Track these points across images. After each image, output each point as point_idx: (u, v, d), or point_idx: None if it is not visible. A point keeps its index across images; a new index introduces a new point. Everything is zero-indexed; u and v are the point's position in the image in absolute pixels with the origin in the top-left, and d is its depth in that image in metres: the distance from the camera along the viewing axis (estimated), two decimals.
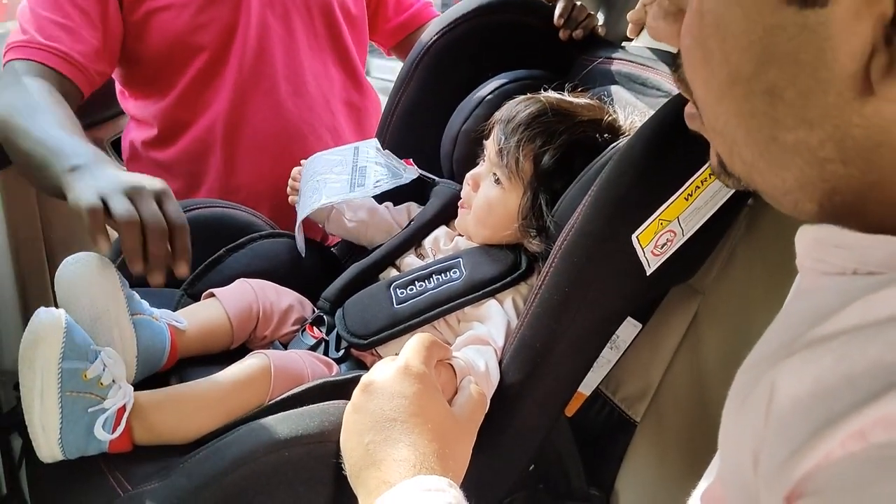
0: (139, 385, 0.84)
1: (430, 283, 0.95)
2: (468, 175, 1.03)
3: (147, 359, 0.88)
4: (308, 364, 0.90)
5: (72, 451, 0.78)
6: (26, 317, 1.25)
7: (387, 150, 1.13)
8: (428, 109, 1.18)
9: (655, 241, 0.83)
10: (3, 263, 1.22)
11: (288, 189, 1.17)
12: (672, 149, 0.78)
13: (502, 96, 1.08)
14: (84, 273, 0.84)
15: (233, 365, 0.87)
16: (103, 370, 0.80)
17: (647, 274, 0.84)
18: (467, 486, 0.64)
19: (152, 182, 0.85)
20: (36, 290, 1.29)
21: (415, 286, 0.96)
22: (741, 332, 0.92)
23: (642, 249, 0.82)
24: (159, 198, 0.83)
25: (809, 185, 0.41)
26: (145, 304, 0.91)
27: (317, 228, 1.30)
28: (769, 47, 0.37)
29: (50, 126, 0.97)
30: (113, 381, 0.81)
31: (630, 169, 0.79)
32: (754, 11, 0.37)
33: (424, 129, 1.10)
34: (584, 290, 0.83)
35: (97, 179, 0.83)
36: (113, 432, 0.79)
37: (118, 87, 1.32)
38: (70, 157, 0.89)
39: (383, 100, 1.31)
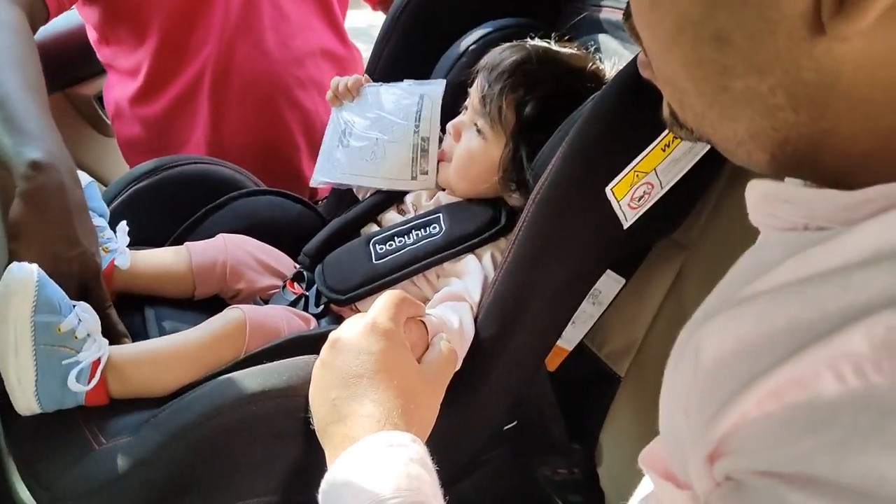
0: None
1: (409, 238, 0.95)
2: (449, 124, 1.01)
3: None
4: (285, 319, 0.90)
5: (48, 404, 0.79)
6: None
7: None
8: (412, 61, 1.15)
9: (632, 193, 0.81)
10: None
11: (329, 95, 1.13)
12: (647, 98, 0.75)
13: (486, 45, 1.05)
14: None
15: (209, 319, 0.88)
16: (77, 324, 0.80)
17: (624, 227, 0.82)
18: (439, 442, 0.64)
19: (84, 266, 0.85)
20: None
21: (394, 241, 0.95)
22: None
23: (618, 202, 0.80)
24: (85, 285, 0.85)
25: (761, 135, 0.39)
26: (119, 231, 0.93)
27: (303, 185, 1.29)
28: None
29: (16, 87, 0.89)
30: (88, 334, 0.81)
31: (602, 119, 0.77)
32: None
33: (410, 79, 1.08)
34: (557, 243, 0.81)
35: (43, 234, 0.82)
36: (88, 384, 0.80)
37: (94, 36, 1.28)
38: (31, 146, 0.82)
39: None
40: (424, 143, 1.04)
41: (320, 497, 0.59)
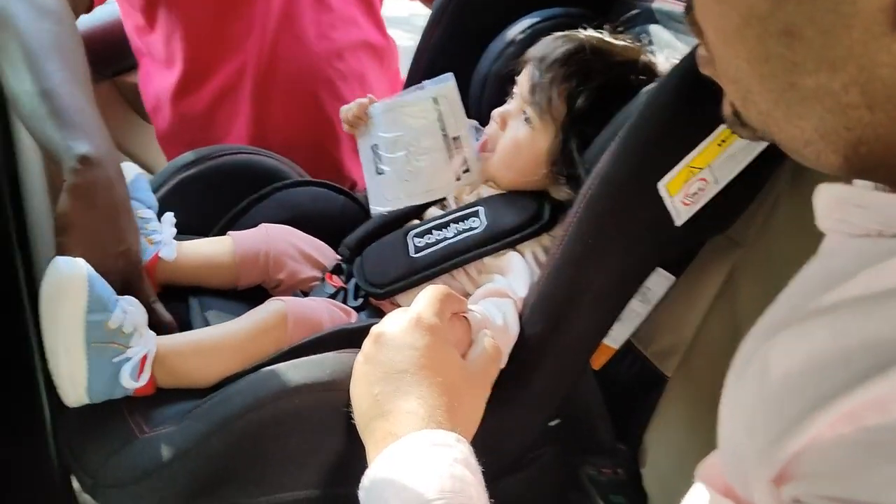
0: None
1: (448, 231, 0.93)
2: (495, 112, 0.99)
3: None
4: (327, 312, 0.89)
5: (98, 398, 0.80)
6: None
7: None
8: (459, 51, 1.14)
9: (685, 189, 0.78)
10: (41, 205, 1.24)
11: (345, 126, 1.09)
12: (703, 91, 0.72)
13: (535, 35, 1.03)
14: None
15: (251, 311, 0.87)
16: (125, 318, 0.80)
17: (677, 224, 0.79)
18: (485, 440, 0.63)
19: (128, 262, 0.85)
20: None
21: (433, 234, 0.93)
22: (782, 288, 0.87)
23: (671, 199, 0.78)
24: (128, 281, 0.85)
25: (832, 135, 0.38)
26: (165, 222, 0.94)
27: (345, 176, 1.28)
28: None
29: (63, 79, 0.86)
30: (135, 329, 0.81)
31: (657, 113, 0.74)
32: None
33: (456, 72, 1.05)
34: (608, 240, 0.79)
35: (91, 229, 0.82)
36: (138, 379, 0.80)
37: (130, 24, 1.26)
38: (80, 141, 0.81)
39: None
40: (457, 142, 1.01)
41: (361, 493, 0.58)
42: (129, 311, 0.81)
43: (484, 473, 0.58)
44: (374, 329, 0.69)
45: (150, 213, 0.93)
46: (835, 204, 0.41)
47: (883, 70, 0.34)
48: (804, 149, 0.40)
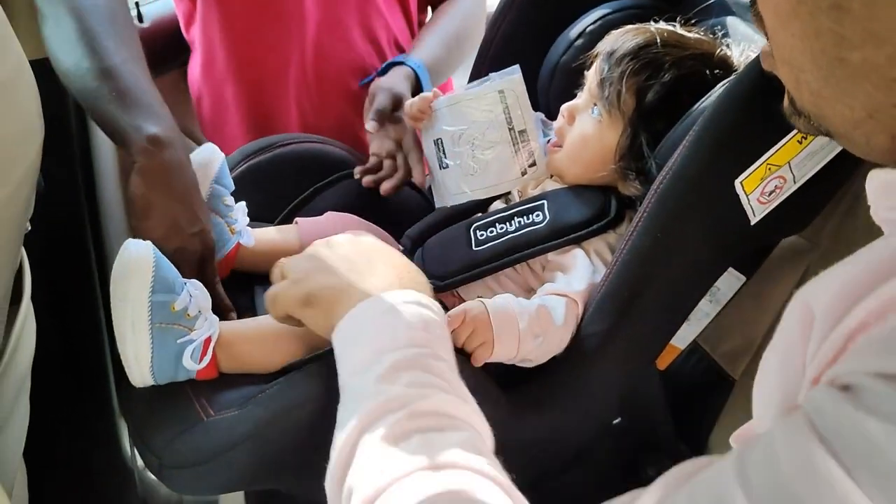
0: None
1: (510, 225, 0.92)
2: (563, 107, 0.97)
3: None
4: None
5: (163, 378, 0.81)
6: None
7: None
8: (527, 41, 1.12)
9: (762, 187, 0.76)
10: (113, 192, 1.27)
11: (408, 121, 1.08)
12: (783, 86, 0.70)
13: (606, 27, 1.01)
14: (198, 157, 0.91)
15: None
16: (190, 301, 0.82)
17: (752, 223, 0.77)
18: (546, 436, 0.62)
19: (203, 242, 0.86)
20: None
21: (495, 228, 0.92)
22: None
23: (747, 196, 0.76)
24: (203, 260, 0.87)
25: (881, 113, 0.39)
26: (239, 211, 0.94)
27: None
28: None
29: (124, 58, 0.85)
30: (199, 312, 0.82)
31: (734, 108, 0.72)
32: None
33: (524, 62, 1.04)
34: (679, 237, 0.77)
35: (167, 211, 0.83)
36: (200, 362, 0.81)
37: (180, 14, 1.26)
38: (149, 122, 0.82)
39: None
40: (523, 135, 0.99)
41: (335, 340, 0.67)
42: (195, 295, 0.83)
43: (544, 465, 0.58)
44: (317, 241, 0.80)
45: (232, 201, 0.94)
46: (885, 189, 0.42)
47: None
48: (854, 131, 0.41)
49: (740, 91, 0.73)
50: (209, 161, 0.92)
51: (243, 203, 0.96)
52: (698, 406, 1.01)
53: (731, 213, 0.76)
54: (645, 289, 0.79)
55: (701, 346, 1.00)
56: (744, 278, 0.89)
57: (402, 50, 1.31)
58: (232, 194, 0.96)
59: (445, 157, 1.02)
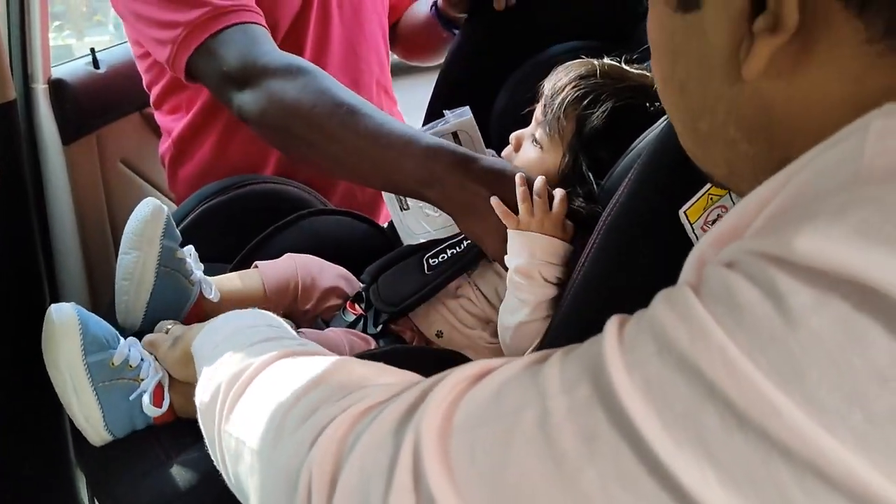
0: None
1: (460, 247, 0.94)
2: (512, 135, 1.01)
3: (160, 311, 0.89)
4: (346, 342, 0.90)
5: (121, 432, 0.81)
6: (91, 279, 1.30)
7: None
8: (479, 83, 1.15)
9: (705, 216, 0.78)
10: (69, 230, 1.26)
11: None
12: None
13: (554, 65, 1.04)
14: (137, 215, 0.89)
15: None
16: (129, 351, 0.81)
17: None
18: None
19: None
20: (99, 257, 1.33)
21: (446, 253, 0.95)
22: None
23: (691, 225, 0.78)
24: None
25: (737, 167, 0.43)
26: (193, 265, 0.94)
27: (370, 207, 1.29)
28: (673, 48, 0.42)
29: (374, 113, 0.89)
30: (142, 358, 0.82)
31: (676, 141, 0.75)
32: (660, 22, 0.43)
33: (474, 104, 1.07)
34: (628, 268, 0.79)
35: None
36: (159, 407, 0.81)
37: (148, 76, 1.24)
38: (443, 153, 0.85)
39: None
40: None
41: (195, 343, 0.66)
42: (133, 343, 0.83)
43: None
44: None
45: (183, 253, 0.93)
46: None
47: (744, 109, 0.39)
48: (728, 181, 0.47)
49: None
50: (155, 217, 0.89)
51: (191, 247, 0.96)
52: None
53: (678, 242, 0.78)
54: (600, 317, 0.80)
55: None
56: None
57: (387, 93, 1.38)
58: (190, 235, 0.96)
59: (405, 199, 1.03)
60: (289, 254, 1.03)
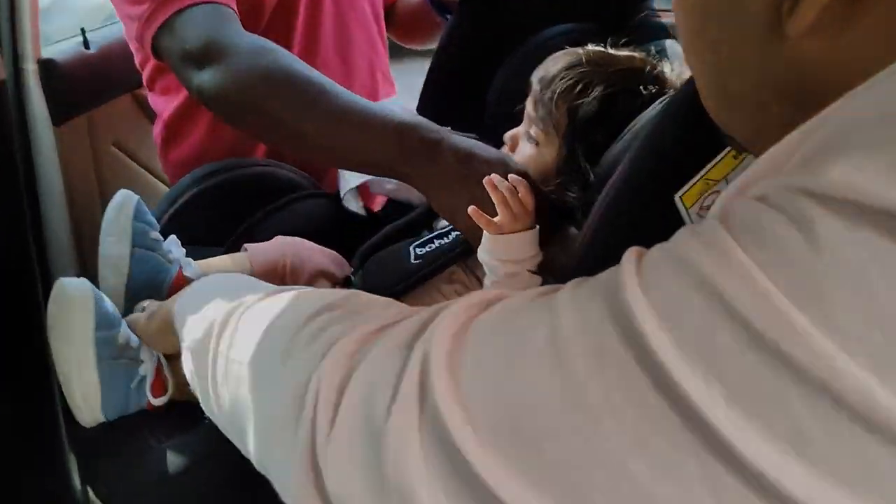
0: None
1: (447, 239, 0.94)
2: (506, 135, 1.00)
3: (141, 293, 0.88)
4: None
5: (113, 415, 0.80)
6: (81, 262, 1.30)
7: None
8: (472, 71, 1.14)
9: (701, 202, 0.78)
10: (60, 213, 1.26)
11: None
12: None
13: (545, 52, 1.03)
14: (110, 206, 0.89)
15: None
16: (130, 333, 0.81)
17: None
18: None
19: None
20: (91, 238, 1.32)
21: (433, 243, 0.94)
22: None
23: (687, 211, 0.78)
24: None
25: (764, 129, 0.42)
26: (166, 245, 0.93)
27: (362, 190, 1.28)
28: (705, 6, 0.41)
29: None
30: (140, 341, 0.82)
31: (671, 125, 0.74)
32: None
33: (467, 93, 1.06)
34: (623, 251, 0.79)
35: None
36: (159, 395, 0.81)
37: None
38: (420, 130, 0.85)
39: None
40: None
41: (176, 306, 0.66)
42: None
43: None
44: None
45: (160, 237, 0.93)
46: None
47: (778, 71, 0.39)
48: (754, 147, 0.46)
49: (677, 108, 0.75)
50: (123, 203, 0.90)
51: (173, 237, 0.95)
52: None
53: (672, 227, 0.77)
54: None
55: None
56: None
57: (385, 77, 1.37)
58: (173, 224, 0.95)
59: None
60: (279, 236, 1.02)
